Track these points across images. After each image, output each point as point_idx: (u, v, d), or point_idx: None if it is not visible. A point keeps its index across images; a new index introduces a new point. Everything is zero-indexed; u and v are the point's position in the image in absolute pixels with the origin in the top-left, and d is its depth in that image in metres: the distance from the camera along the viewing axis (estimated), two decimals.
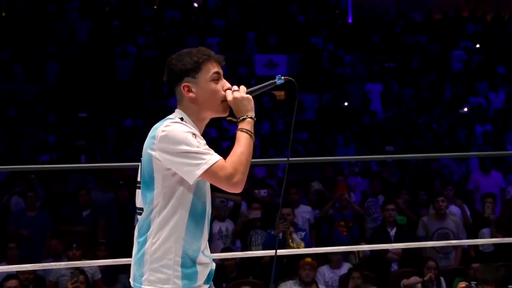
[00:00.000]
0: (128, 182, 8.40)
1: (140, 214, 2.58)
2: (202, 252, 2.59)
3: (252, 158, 2.54)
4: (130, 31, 15.17)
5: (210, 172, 2.45)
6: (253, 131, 2.58)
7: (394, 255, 7.32)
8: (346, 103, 13.48)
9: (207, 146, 2.50)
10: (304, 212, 7.98)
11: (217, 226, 7.54)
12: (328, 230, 8.25)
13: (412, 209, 8.38)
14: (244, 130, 2.57)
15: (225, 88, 2.63)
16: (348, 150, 10.86)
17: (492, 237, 7.34)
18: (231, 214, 7.86)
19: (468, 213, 8.24)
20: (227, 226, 7.65)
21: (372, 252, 7.43)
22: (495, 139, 11.13)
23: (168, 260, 2.50)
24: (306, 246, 6.96)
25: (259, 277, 6.92)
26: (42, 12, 15.18)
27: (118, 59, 13.98)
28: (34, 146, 10.24)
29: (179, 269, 2.51)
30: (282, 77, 2.69)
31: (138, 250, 2.56)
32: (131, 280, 2.61)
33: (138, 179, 2.60)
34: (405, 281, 6.75)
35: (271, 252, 5.79)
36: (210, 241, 2.64)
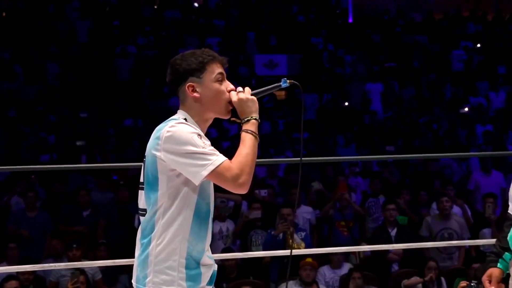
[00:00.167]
0: (128, 182, 8.41)
1: (143, 215, 2.56)
2: (206, 253, 2.58)
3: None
4: (130, 31, 15.17)
5: (216, 173, 2.45)
6: (257, 133, 2.57)
7: (394, 255, 7.31)
8: (346, 103, 13.48)
9: (212, 147, 2.50)
10: (304, 213, 7.97)
11: (217, 226, 7.53)
12: (329, 230, 8.24)
13: (413, 209, 8.37)
14: (249, 131, 2.56)
15: (229, 89, 2.63)
16: (349, 150, 10.84)
17: (493, 237, 7.32)
18: (232, 214, 7.87)
19: (469, 213, 8.23)
20: (227, 226, 7.65)
21: (373, 252, 7.42)
22: (495, 139, 11.11)
23: (172, 261, 2.49)
24: (306, 247, 6.97)
25: (259, 277, 6.92)
26: (42, 12, 15.18)
27: (118, 59, 13.98)
28: (34, 146, 10.24)
29: (184, 270, 2.50)
30: (288, 81, 2.68)
31: (142, 252, 2.54)
32: (133, 281, 2.59)
33: (141, 180, 2.58)
34: (405, 282, 6.75)
35: (272, 253, 5.81)
36: (211, 241, 2.63)
